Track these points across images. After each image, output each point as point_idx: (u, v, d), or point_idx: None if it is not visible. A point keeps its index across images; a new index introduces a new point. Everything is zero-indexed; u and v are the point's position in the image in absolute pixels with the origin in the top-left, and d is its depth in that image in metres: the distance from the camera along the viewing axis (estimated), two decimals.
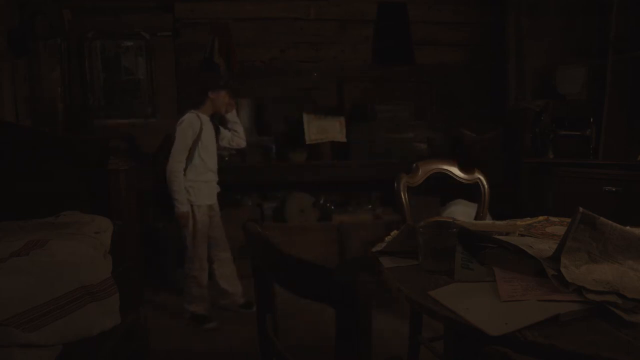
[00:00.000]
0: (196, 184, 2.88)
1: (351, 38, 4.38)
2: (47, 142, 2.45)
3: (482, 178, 2.10)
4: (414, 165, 2.08)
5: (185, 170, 2.85)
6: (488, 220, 1.75)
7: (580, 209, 1.01)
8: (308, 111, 4.11)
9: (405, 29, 4.38)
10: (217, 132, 3.06)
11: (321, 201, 4.12)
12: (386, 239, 1.36)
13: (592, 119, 3.39)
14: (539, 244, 1.14)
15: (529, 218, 1.53)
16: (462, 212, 2.96)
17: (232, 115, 3.12)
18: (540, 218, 1.51)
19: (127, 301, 1.99)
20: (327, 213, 4.06)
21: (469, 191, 2.29)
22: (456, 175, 2.11)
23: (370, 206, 4.18)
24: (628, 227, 1.10)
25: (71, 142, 2.49)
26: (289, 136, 4.12)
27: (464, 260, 1.11)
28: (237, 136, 3.15)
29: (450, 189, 3.24)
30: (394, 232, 1.38)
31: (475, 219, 2.11)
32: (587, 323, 0.83)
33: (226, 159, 3.70)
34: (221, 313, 3.11)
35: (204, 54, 4.11)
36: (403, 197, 1.98)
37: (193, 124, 2.87)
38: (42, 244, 1.73)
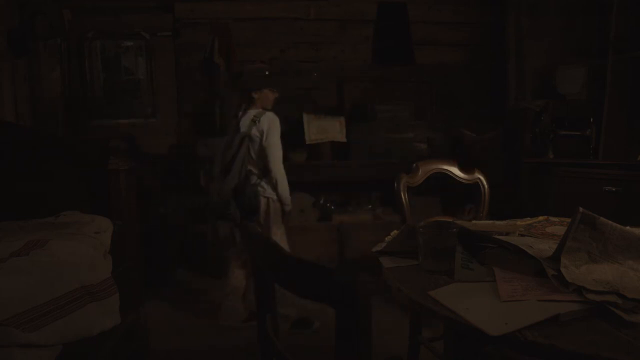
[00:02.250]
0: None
1: (351, 38, 4.39)
2: (47, 142, 2.45)
3: (482, 178, 2.10)
4: (414, 165, 2.08)
5: (256, 167, 2.78)
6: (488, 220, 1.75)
7: (580, 209, 1.01)
8: (308, 111, 4.11)
9: (405, 29, 4.38)
10: None
11: (321, 201, 4.12)
12: (386, 239, 1.36)
13: (592, 119, 3.39)
14: (539, 244, 1.14)
15: (529, 218, 1.53)
16: None
17: None
18: (540, 218, 1.51)
19: (127, 301, 1.99)
20: (327, 213, 4.06)
21: (469, 191, 2.29)
22: (456, 175, 2.12)
23: (370, 206, 4.18)
24: (628, 227, 1.09)
25: (71, 142, 2.50)
26: (289, 136, 4.12)
27: (464, 260, 1.11)
28: None
29: (450, 189, 3.24)
30: (394, 232, 1.38)
31: (475, 219, 2.11)
32: (587, 323, 0.83)
33: None
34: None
35: (204, 54, 4.12)
36: (403, 197, 1.98)
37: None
38: (42, 244, 1.73)
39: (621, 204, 2.67)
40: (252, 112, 2.77)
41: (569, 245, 0.99)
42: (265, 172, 2.76)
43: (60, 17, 3.99)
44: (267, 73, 2.90)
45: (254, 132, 2.71)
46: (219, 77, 4.10)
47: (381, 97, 4.29)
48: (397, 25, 4.37)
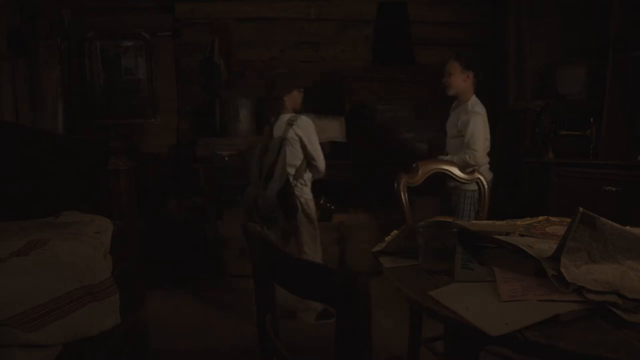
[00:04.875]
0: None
1: (351, 38, 4.38)
2: (47, 142, 2.45)
3: (482, 178, 2.10)
4: (414, 165, 2.08)
5: (300, 168, 2.88)
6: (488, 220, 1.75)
7: (580, 209, 1.01)
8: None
9: (405, 29, 4.38)
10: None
11: (321, 201, 4.12)
12: (386, 239, 1.36)
13: (592, 119, 3.39)
14: (539, 244, 1.14)
15: (529, 218, 1.53)
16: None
17: None
18: (540, 218, 1.51)
19: (127, 301, 1.99)
20: (327, 213, 4.06)
21: None
22: (456, 176, 2.11)
23: (370, 206, 4.18)
24: (628, 227, 1.10)
25: (71, 142, 2.49)
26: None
27: (464, 260, 1.11)
28: None
29: None
30: (394, 232, 1.38)
31: (475, 219, 2.11)
32: (587, 323, 0.83)
33: (226, 159, 3.70)
34: (225, 312, 3.12)
35: (204, 54, 4.11)
36: (403, 197, 1.98)
37: None
38: (42, 244, 1.73)
39: (621, 204, 2.67)
40: (285, 116, 2.87)
41: (569, 245, 0.99)
42: (300, 173, 2.86)
43: (60, 17, 3.99)
44: (288, 73, 2.99)
45: (291, 134, 2.80)
46: (219, 77, 4.10)
47: (381, 97, 4.29)
48: (397, 25, 4.36)
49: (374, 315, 0.70)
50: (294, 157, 2.81)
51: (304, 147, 2.81)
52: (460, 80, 2.93)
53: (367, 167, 3.97)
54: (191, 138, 4.10)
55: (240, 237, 3.20)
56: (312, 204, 2.92)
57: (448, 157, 2.88)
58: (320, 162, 2.88)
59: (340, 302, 0.71)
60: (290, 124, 2.81)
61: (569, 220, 1.05)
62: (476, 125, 2.81)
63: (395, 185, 2.00)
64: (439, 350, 1.82)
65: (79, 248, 1.81)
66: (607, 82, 3.41)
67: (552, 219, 1.50)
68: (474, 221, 1.74)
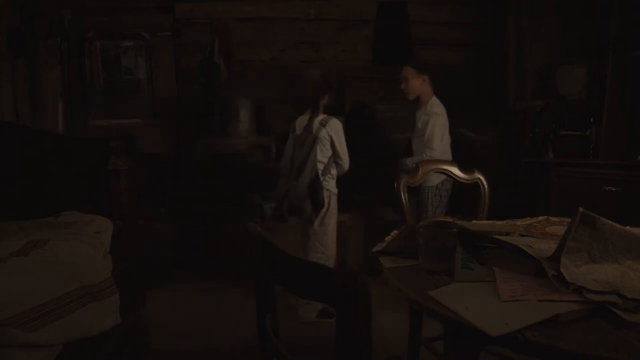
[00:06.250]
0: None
1: (351, 38, 4.39)
2: (47, 142, 2.45)
3: (482, 178, 2.10)
4: (414, 165, 2.08)
5: (328, 164, 3.06)
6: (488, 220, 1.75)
7: (580, 209, 1.01)
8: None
9: (405, 29, 4.38)
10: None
11: None
12: (386, 239, 1.36)
13: (592, 119, 3.39)
14: (539, 244, 1.14)
15: (529, 218, 1.53)
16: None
17: None
18: (540, 218, 1.51)
19: (127, 301, 1.99)
20: None
21: (468, 191, 2.28)
22: (456, 175, 2.12)
23: (370, 206, 4.17)
24: (628, 227, 1.10)
25: (71, 142, 2.49)
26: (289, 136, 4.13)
27: (464, 260, 1.11)
28: None
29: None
30: (394, 232, 1.38)
31: (475, 219, 2.11)
32: (587, 323, 0.83)
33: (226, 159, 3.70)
34: (225, 312, 3.12)
35: (204, 54, 4.12)
36: (403, 197, 1.98)
37: None
38: (42, 244, 1.73)
39: (621, 204, 2.67)
40: (319, 117, 3.08)
41: (569, 245, 0.99)
42: (327, 169, 3.07)
43: (60, 17, 3.99)
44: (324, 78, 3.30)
45: (323, 134, 3.02)
46: (219, 77, 4.10)
47: (381, 97, 4.29)
48: (397, 25, 4.36)
49: (374, 315, 0.69)
50: (323, 154, 3.04)
51: (333, 146, 3.04)
52: (417, 84, 3.17)
53: (367, 167, 3.97)
54: (191, 138, 4.10)
55: (239, 237, 3.21)
56: (335, 199, 3.10)
57: (409, 160, 3.10)
58: (346, 161, 3.09)
59: (340, 302, 0.71)
60: (323, 124, 3.04)
61: (569, 220, 1.05)
62: (434, 125, 3.05)
63: (395, 185, 2.00)
64: (439, 350, 1.82)
65: (79, 248, 1.81)
66: (607, 82, 3.41)
67: (552, 219, 1.50)
68: (474, 221, 1.74)
